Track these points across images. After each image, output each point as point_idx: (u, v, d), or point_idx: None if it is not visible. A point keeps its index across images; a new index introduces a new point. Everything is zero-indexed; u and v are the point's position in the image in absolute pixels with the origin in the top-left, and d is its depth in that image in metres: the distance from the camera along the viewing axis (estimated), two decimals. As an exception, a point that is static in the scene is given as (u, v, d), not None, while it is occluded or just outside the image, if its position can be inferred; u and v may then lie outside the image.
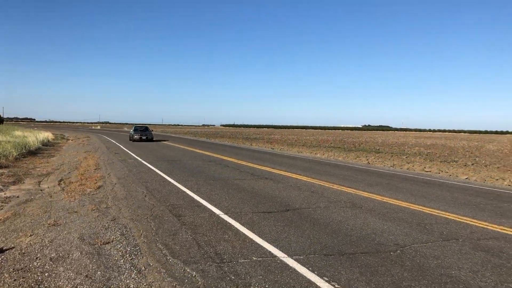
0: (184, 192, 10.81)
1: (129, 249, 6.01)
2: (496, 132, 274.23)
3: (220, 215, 8.16)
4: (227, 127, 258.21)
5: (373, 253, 5.98)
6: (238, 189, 11.50)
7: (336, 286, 4.71)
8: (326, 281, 4.85)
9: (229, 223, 7.56)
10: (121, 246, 6.14)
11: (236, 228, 7.21)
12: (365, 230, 7.26)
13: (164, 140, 41.77)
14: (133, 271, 5.17)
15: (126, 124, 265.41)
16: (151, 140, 38.35)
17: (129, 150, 26.16)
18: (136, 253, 5.87)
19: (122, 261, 5.54)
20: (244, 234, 6.83)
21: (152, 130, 44.67)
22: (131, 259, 5.60)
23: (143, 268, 5.29)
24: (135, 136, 37.46)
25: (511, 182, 15.04)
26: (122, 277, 4.99)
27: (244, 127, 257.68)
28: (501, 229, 7.68)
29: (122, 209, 8.66)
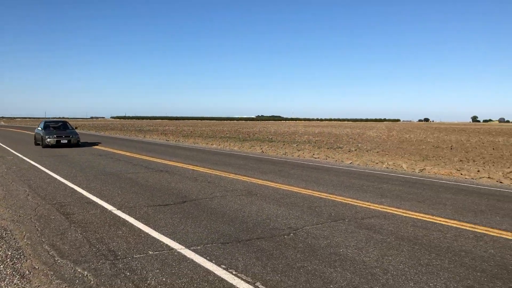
0: (73, 188, 10.15)
1: (10, 253, 5.48)
2: (376, 120, 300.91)
3: (112, 211, 7.81)
4: (118, 119, 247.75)
5: (268, 238, 6.17)
6: (131, 183, 11.11)
7: (234, 272, 4.78)
8: (224, 268, 4.90)
9: (122, 218, 7.27)
10: (0, 251, 5.58)
11: (131, 223, 6.96)
12: (261, 216, 7.48)
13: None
14: (16, 276, 4.73)
15: (3, 118, 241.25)
16: (77, 144, 24.65)
17: (6, 146, 23.88)
18: (18, 256, 5.37)
19: (1, 266, 5.04)
20: (139, 228, 6.62)
21: (76, 128, 29.11)
22: (12, 264, 5.12)
23: (27, 272, 4.87)
24: (49, 139, 23.29)
25: (389, 165, 16.54)
26: (1, 284, 4.54)
27: (136, 119, 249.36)
28: (381, 208, 8.42)
29: (1, 210, 7.87)
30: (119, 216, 7.41)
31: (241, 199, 9.03)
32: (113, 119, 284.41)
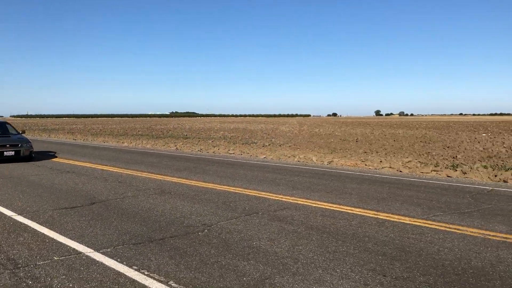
0: (-35, 194, 9.25)
1: None
2: (288, 115, 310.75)
3: (12, 217, 7.24)
4: (19, 118, 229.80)
5: (182, 236, 6.12)
6: (34, 186, 10.38)
7: (146, 273, 4.67)
8: (136, 269, 4.77)
9: (24, 224, 6.77)
10: None
11: (34, 228, 6.51)
12: (174, 215, 7.38)
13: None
14: None
15: None
16: (30, 158, 16.18)
17: None
18: None
19: None
20: (43, 234, 6.21)
21: (23, 132, 19.08)
22: None
23: None
24: None
25: (300, 158, 17.15)
26: None
27: (40, 118, 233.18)
28: (293, 199, 8.71)
29: None
30: (20, 222, 6.89)
31: (154, 198, 8.84)
32: (13, 117, 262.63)
